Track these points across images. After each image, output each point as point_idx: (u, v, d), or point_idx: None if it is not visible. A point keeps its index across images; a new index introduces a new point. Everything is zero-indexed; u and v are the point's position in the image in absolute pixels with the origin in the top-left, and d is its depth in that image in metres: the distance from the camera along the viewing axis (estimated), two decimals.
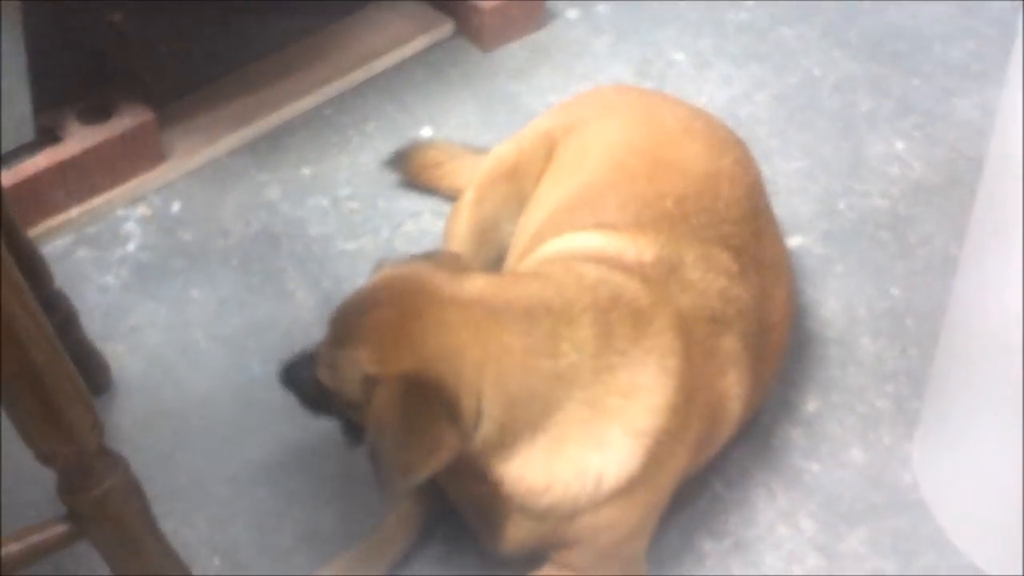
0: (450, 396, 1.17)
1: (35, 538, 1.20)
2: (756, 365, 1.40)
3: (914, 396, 1.63)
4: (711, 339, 1.34)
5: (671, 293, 1.33)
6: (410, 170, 1.93)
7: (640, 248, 1.36)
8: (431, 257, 1.33)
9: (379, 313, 1.22)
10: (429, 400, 1.15)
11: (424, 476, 1.18)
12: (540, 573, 1.36)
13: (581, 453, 1.24)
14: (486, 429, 1.20)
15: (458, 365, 1.18)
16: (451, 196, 1.87)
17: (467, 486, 1.30)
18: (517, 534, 1.30)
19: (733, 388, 1.36)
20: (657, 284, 1.33)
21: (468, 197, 1.69)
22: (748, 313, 1.39)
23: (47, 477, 1.20)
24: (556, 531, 1.30)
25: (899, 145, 2.04)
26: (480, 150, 1.89)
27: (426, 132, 2.08)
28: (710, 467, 1.52)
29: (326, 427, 1.62)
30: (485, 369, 1.18)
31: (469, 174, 1.85)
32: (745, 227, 1.45)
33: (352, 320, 1.24)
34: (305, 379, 1.32)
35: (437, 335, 1.19)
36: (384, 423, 1.16)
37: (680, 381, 1.27)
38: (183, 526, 1.49)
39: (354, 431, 1.32)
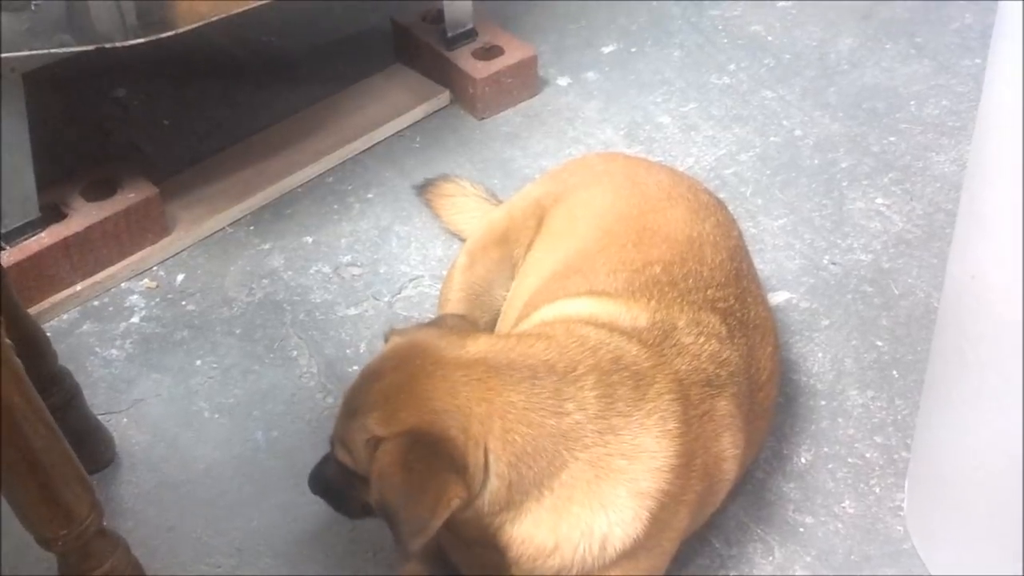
0: (455, 448, 1.20)
1: None
2: (748, 424, 1.44)
3: (902, 446, 1.67)
4: (707, 402, 1.37)
5: (667, 357, 1.37)
6: (427, 196, 2.07)
7: (634, 314, 1.41)
8: (438, 323, 1.38)
9: (386, 379, 1.26)
10: (433, 451, 1.19)
11: (434, 527, 1.19)
12: None
13: (587, 514, 1.26)
14: (493, 486, 1.22)
15: (464, 420, 1.21)
16: (449, 228, 2.03)
17: (474, 554, 1.32)
18: None
19: (728, 449, 1.39)
20: (654, 348, 1.37)
21: (460, 262, 1.74)
22: (739, 374, 1.43)
23: (50, 557, 1.22)
24: None
25: (879, 200, 2.11)
26: (491, 197, 2.00)
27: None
28: (709, 523, 1.54)
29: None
30: (491, 424, 1.21)
31: (470, 215, 1.96)
32: (730, 290, 1.50)
33: (361, 392, 1.28)
34: (328, 474, 1.35)
35: (442, 393, 1.23)
36: (389, 478, 1.19)
37: (680, 444, 1.30)
38: None
39: (350, 507, 1.36)
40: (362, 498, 1.29)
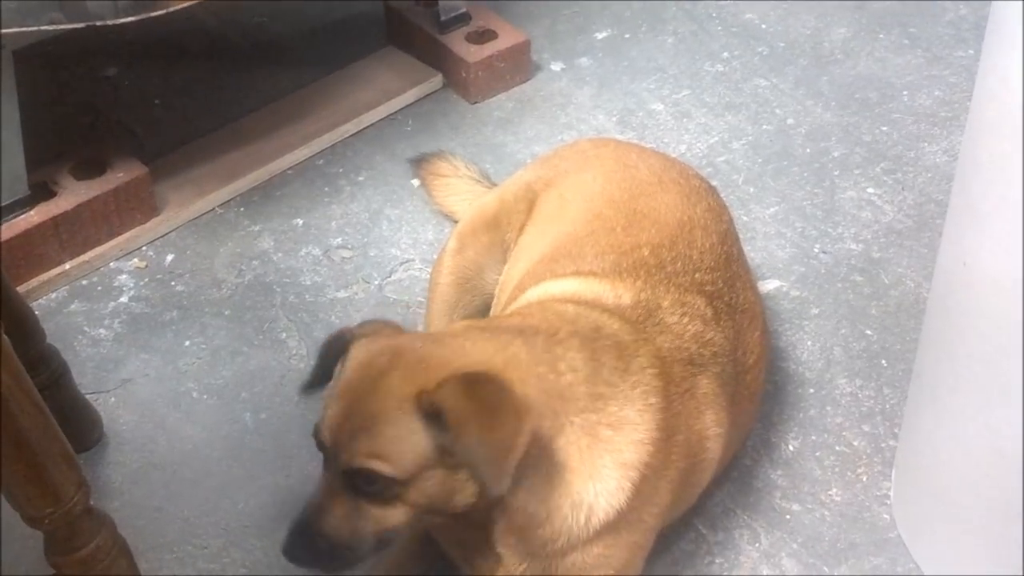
0: (506, 382, 1.17)
1: None
2: (733, 407, 1.44)
3: (890, 435, 1.68)
4: (689, 380, 1.38)
5: (650, 334, 1.38)
6: (420, 173, 2.06)
7: (618, 292, 1.42)
8: (367, 327, 1.31)
9: (393, 370, 1.20)
10: (491, 382, 1.17)
11: (516, 456, 1.14)
12: None
13: (578, 483, 1.26)
14: None
15: (491, 367, 1.20)
16: (440, 210, 2.01)
17: (463, 532, 1.32)
18: None
19: (711, 428, 1.40)
20: (637, 324, 1.38)
21: (450, 246, 1.74)
22: (723, 356, 1.44)
23: (37, 535, 1.22)
24: (546, 573, 1.31)
25: (870, 190, 2.12)
26: (484, 180, 1.99)
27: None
28: (694, 508, 1.55)
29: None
30: (510, 374, 1.20)
31: (462, 197, 1.95)
32: (718, 274, 1.51)
33: (370, 394, 1.19)
34: (326, 529, 1.21)
35: (459, 351, 1.22)
36: (461, 414, 1.13)
37: (662, 418, 1.31)
38: None
39: (361, 550, 1.24)
40: (383, 526, 1.20)
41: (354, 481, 1.19)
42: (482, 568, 1.33)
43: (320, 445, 1.23)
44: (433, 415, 1.16)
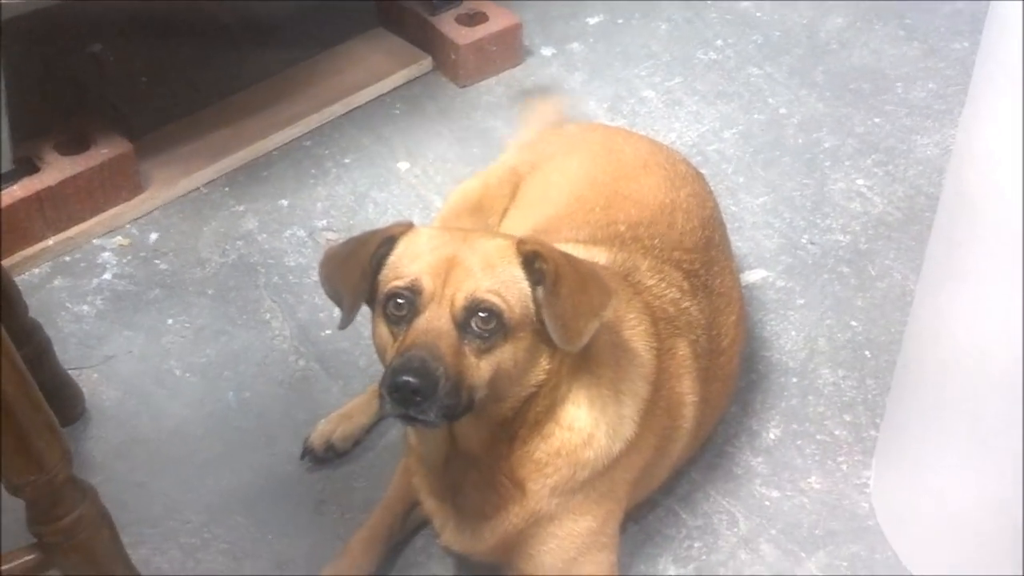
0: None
1: (3, 568, 1.21)
2: (706, 384, 1.45)
3: (871, 425, 1.68)
4: (670, 340, 1.40)
5: (635, 287, 1.39)
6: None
7: (592, 254, 1.42)
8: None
9: (489, 237, 1.25)
10: (582, 259, 1.28)
11: (600, 318, 1.20)
12: None
13: (611, 403, 1.28)
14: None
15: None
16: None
17: (487, 468, 1.28)
18: (499, 529, 1.30)
19: (688, 395, 1.41)
20: (619, 278, 1.39)
21: None
22: (698, 328, 1.45)
23: (19, 506, 1.21)
24: (536, 524, 1.30)
25: (861, 182, 2.11)
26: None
27: (403, 165, 2.13)
28: (675, 494, 1.56)
29: (297, 457, 1.64)
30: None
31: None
32: (697, 256, 1.51)
33: (474, 247, 1.20)
34: (429, 364, 1.15)
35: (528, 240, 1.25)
36: (562, 273, 1.19)
37: (656, 363, 1.34)
38: (156, 554, 1.50)
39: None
40: (472, 373, 1.17)
41: (468, 320, 1.17)
42: (478, 519, 1.31)
43: (414, 291, 1.18)
44: (531, 268, 1.19)
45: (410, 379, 1.12)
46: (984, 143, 1.23)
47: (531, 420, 1.25)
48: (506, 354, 1.19)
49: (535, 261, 1.19)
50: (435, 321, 1.17)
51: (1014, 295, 1.22)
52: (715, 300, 1.50)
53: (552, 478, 1.28)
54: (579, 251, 1.40)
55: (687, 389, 1.41)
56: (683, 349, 1.41)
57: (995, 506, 1.36)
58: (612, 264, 1.41)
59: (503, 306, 1.17)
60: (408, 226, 1.26)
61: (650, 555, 1.51)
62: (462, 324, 1.17)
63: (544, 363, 1.22)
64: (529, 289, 1.20)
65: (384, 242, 1.24)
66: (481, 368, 1.18)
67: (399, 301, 1.19)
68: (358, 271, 1.23)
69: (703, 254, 1.52)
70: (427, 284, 1.18)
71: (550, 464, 1.27)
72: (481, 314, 1.17)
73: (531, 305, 1.20)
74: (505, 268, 1.20)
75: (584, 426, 1.27)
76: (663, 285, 1.43)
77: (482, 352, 1.18)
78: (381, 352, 1.23)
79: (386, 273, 1.22)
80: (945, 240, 1.35)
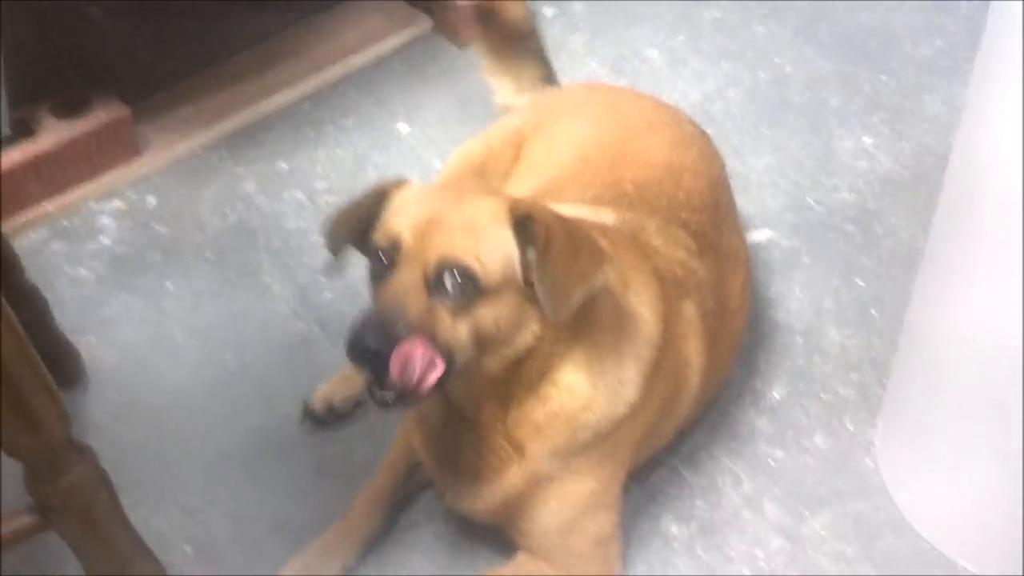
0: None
1: (1, 529, 1.20)
2: (713, 346, 1.44)
3: (877, 384, 1.66)
4: (676, 302, 1.38)
5: (642, 249, 1.37)
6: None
7: (599, 215, 1.40)
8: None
9: (481, 197, 1.22)
10: (578, 223, 1.23)
11: (592, 286, 1.18)
12: (514, 563, 1.38)
13: (612, 366, 1.26)
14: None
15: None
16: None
17: (485, 430, 1.27)
18: (500, 490, 1.30)
19: (693, 357, 1.40)
20: (628, 238, 1.37)
21: None
22: (705, 289, 1.43)
23: (16, 468, 1.20)
24: (536, 486, 1.29)
25: (867, 140, 2.08)
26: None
27: (403, 127, 2.10)
28: (678, 454, 1.55)
29: (297, 419, 1.63)
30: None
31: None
32: (705, 216, 1.49)
33: (455, 205, 1.17)
34: (408, 318, 1.13)
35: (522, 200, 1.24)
36: (554, 237, 1.16)
37: (662, 327, 1.32)
38: (155, 515, 1.50)
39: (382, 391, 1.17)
40: (448, 335, 1.14)
41: (441, 279, 1.15)
42: (478, 479, 1.30)
43: (393, 247, 1.16)
44: (522, 231, 1.17)
45: (366, 336, 1.11)
46: (995, 105, 1.20)
47: (526, 382, 1.24)
48: (487, 316, 1.16)
49: (527, 223, 1.17)
50: (406, 279, 1.15)
51: (1022, 260, 1.20)
52: (723, 261, 1.48)
53: (551, 440, 1.27)
54: (585, 212, 1.38)
55: (693, 351, 1.39)
56: (690, 310, 1.39)
57: (1003, 465, 1.35)
58: (619, 224, 1.39)
59: (475, 266, 1.14)
60: (402, 183, 1.24)
61: (653, 514, 1.51)
62: (434, 283, 1.15)
63: (534, 326, 1.20)
64: (516, 251, 1.17)
65: (376, 196, 1.22)
66: (458, 329, 1.15)
67: (381, 258, 1.18)
68: (351, 221, 1.23)
69: (711, 214, 1.50)
70: (406, 240, 1.16)
71: (549, 426, 1.26)
72: (454, 273, 1.14)
73: (517, 268, 1.17)
74: (490, 228, 1.17)
75: (583, 389, 1.26)
76: (671, 246, 1.41)
77: (458, 313, 1.15)
78: None
79: (376, 230, 1.21)
80: (954, 199, 1.33)
